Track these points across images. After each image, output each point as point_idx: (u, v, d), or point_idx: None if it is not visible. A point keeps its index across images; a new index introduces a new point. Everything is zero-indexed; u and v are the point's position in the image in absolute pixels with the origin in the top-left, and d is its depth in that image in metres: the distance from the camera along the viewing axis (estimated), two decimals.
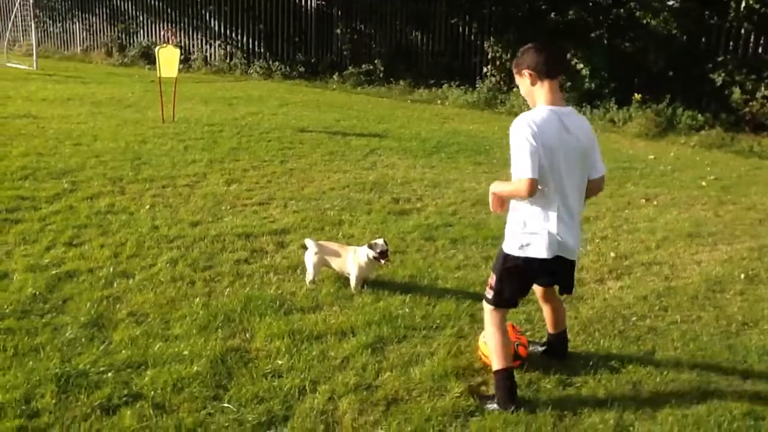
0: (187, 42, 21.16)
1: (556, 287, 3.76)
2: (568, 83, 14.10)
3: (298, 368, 3.61)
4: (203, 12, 21.23)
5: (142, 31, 22.63)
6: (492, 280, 3.51)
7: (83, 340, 3.78)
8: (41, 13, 23.13)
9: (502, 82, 15.94)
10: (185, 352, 3.69)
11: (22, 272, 4.62)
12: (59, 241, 5.26)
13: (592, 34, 15.18)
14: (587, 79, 14.24)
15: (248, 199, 6.74)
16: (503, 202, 3.56)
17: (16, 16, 21.61)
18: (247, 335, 3.96)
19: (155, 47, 11.02)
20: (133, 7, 22.63)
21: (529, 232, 3.37)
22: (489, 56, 16.21)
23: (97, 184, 6.88)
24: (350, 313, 4.30)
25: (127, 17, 22.84)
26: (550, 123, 3.24)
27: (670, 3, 14.10)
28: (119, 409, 3.18)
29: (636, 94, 13.21)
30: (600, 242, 6.00)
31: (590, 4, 15.96)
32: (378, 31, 18.76)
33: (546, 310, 3.89)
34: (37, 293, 4.32)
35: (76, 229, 5.55)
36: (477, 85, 15.94)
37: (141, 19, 22.58)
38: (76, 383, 3.33)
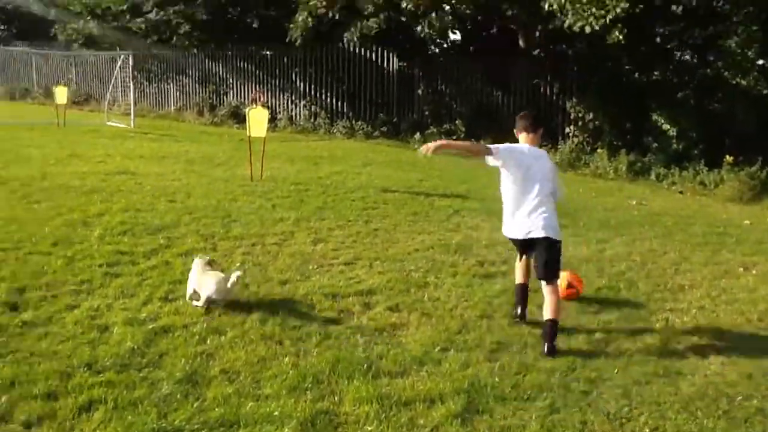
0: (273, 102, 21.95)
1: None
2: (654, 144, 13.85)
3: None
4: (290, 73, 22.06)
5: (231, 91, 23.67)
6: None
7: (178, 396, 3.87)
8: (139, 75, 24.52)
9: (585, 143, 15.80)
10: (276, 413, 3.71)
11: (121, 326, 4.80)
12: (155, 295, 5.45)
13: (679, 95, 14.93)
14: (674, 141, 13.95)
15: (334, 258, 6.83)
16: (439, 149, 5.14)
17: (116, 78, 23.00)
18: (336, 398, 3.95)
19: (244, 107, 11.50)
20: (223, 69, 23.75)
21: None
22: (571, 116, 16.14)
23: (190, 241, 7.14)
24: (438, 379, 4.25)
25: (217, 79, 23.96)
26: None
27: (760, 62, 13.76)
28: None
29: (727, 156, 12.81)
30: (697, 313, 5.75)
31: (675, 64, 15.75)
32: (458, 92, 19.00)
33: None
34: (135, 347, 4.46)
35: (171, 284, 5.74)
36: (559, 146, 15.83)
37: (230, 80, 23.64)
38: None
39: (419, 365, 4.43)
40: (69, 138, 16.03)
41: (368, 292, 5.82)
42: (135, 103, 21.64)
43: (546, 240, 4.94)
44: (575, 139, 15.89)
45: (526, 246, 5.17)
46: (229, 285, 5.17)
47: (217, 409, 3.73)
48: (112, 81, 23.30)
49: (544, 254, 4.99)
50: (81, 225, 7.52)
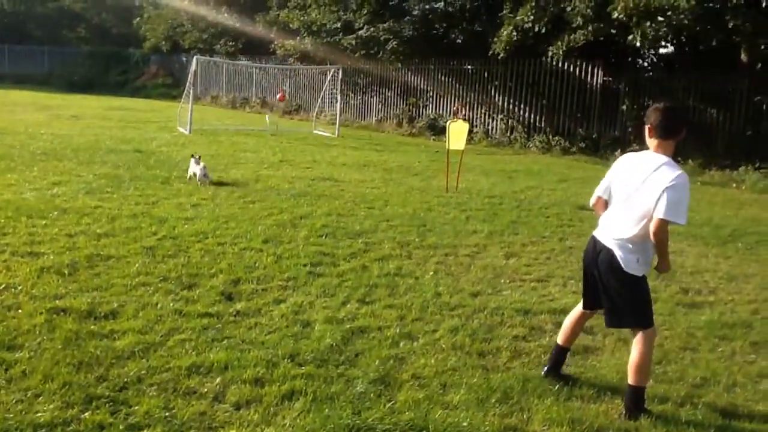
0: (470, 115, 22.12)
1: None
2: None
3: None
4: (489, 87, 22.11)
5: (430, 104, 24.20)
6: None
7: (371, 395, 4.02)
8: (345, 88, 25.86)
9: None
10: (464, 424, 3.74)
11: (322, 323, 5.09)
12: (353, 297, 5.72)
13: None
14: None
15: (527, 274, 6.75)
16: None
17: (325, 90, 24.45)
18: (525, 416, 3.90)
19: (442, 120, 11.72)
20: (424, 82, 24.34)
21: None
22: None
23: (387, 247, 7.40)
24: None
25: (418, 92, 24.63)
26: None
27: None
28: None
29: None
30: None
31: None
32: None
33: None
34: (334, 344, 4.71)
35: (368, 288, 5.99)
36: None
37: (430, 93, 24.19)
38: None
39: (614, 392, 4.24)
40: (280, 145, 17.30)
41: (561, 311, 5.67)
42: (340, 114, 22.84)
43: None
44: None
45: None
46: (202, 169, 10.52)
47: (407, 413, 3.83)
48: (321, 93, 24.79)
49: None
50: (289, 225, 8.09)
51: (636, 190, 3.94)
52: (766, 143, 15.63)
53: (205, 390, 3.95)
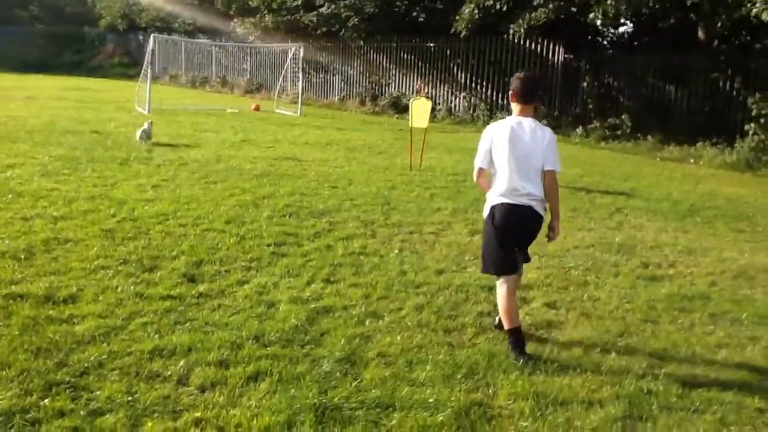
0: (433, 93, 22.11)
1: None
2: None
3: None
4: (451, 65, 22.10)
5: (393, 82, 24.11)
6: None
7: (338, 374, 4.01)
8: (307, 66, 25.60)
9: (766, 142, 14.54)
10: (430, 400, 3.75)
11: (287, 303, 5.05)
12: (318, 277, 5.69)
13: None
14: None
15: None
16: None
17: (286, 69, 24.17)
18: (490, 391, 3.92)
19: (405, 98, 11.68)
20: (386, 60, 24.23)
21: None
22: (753, 113, 14.90)
23: (351, 226, 7.37)
24: (597, 381, 4.10)
25: (380, 70, 24.50)
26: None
27: None
28: None
29: None
30: None
31: None
32: (627, 85, 18.13)
33: None
34: (299, 324, 4.68)
35: (333, 267, 5.96)
36: (736, 145, 14.70)
37: (392, 71, 24.08)
38: (331, 416, 3.53)
39: (577, 365, 4.30)
40: (241, 124, 17.07)
41: (525, 287, 5.73)
42: (302, 93, 22.62)
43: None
44: (755, 138, 14.65)
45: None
46: (148, 128, 12.35)
47: (374, 391, 3.83)
48: (283, 72, 24.50)
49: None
50: (252, 206, 8.00)
51: (531, 151, 4.42)
52: (723, 119, 15.93)
53: (169, 373, 3.89)
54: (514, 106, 4.59)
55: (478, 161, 4.57)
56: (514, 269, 4.59)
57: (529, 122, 4.50)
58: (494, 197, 4.53)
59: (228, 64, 32.42)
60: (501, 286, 4.52)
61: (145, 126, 12.56)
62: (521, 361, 4.25)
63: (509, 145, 4.42)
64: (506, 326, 4.43)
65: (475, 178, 4.74)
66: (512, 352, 4.35)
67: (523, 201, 4.42)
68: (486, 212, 4.66)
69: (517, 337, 4.40)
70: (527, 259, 4.79)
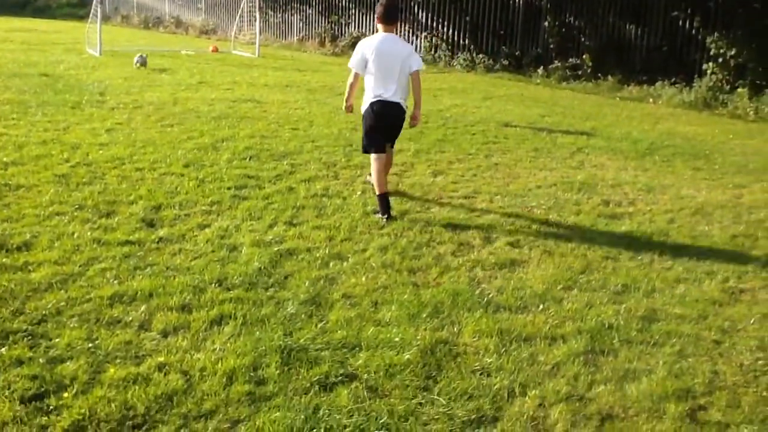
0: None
1: None
2: None
3: (506, 369, 3.55)
4: (411, 4, 21.68)
5: (353, 22, 23.60)
6: None
7: (303, 316, 3.99)
8: (264, 5, 24.88)
9: (724, 81, 14.68)
10: (396, 339, 3.76)
11: (249, 246, 4.98)
12: (280, 219, 5.62)
13: None
14: None
15: (454, 191, 6.78)
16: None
17: (242, 8, 23.45)
18: (455, 329, 3.96)
19: (365, 37, 11.42)
20: None
21: None
22: (711, 53, 14.98)
23: (313, 168, 7.27)
24: (560, 317, 4.17)
25: (339, 9, 23.93)
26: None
27: None
28: (336, 387, 3.30)
29: None
30: None
31: None
32: (588, 24, 18.04)
33: None
34: (262, 267, 4.63)
35: (295, 209, 5.89)
36: (694, 84, 14.82)
37: (352, 11, 23.56)
38: (297, 357, 3.52)
39: (540, 302, 4.36)
40: (198, 66, 16.59)
41: (488, 227, 5.75)
42: (260, 33, 22.03)
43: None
44: (713, 77, 14.78)
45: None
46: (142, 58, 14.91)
47: (339, 332, 3.82)
48: (239, 11, 23.77)
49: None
50: (211, 149, 7.82)
51: (396, 60, 5.80)
52: (682, 59, 16.00)
53: (130, 319, 3.83)
54: (380, 27, 5.97)
55: (354, 66, 5.90)
56: (383, 149, 5.98)
57: (392, 37, 5.94)
58: (371, 96, 5.87)
59: (182, 3, 31.31)
60: (375, 162, 5.92)
61: (143, 56, 15.52)
62: (385, 218, 5.67)
63: (379, 56, 5.76)
64: (377, 192, 5.83)
65: (349, 81, 5.98)
66: (379, 212, 5.77)
67: (393, 98, 5.83)
68: (365, 107, 5.95)
69: (384, 202, 5.78)
70: (392, 144, 6.34)
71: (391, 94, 5.81)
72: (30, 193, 5.87)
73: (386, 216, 5.69)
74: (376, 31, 6.05)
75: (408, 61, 5.85)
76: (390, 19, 5.98)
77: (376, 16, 6.01)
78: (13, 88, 11.28)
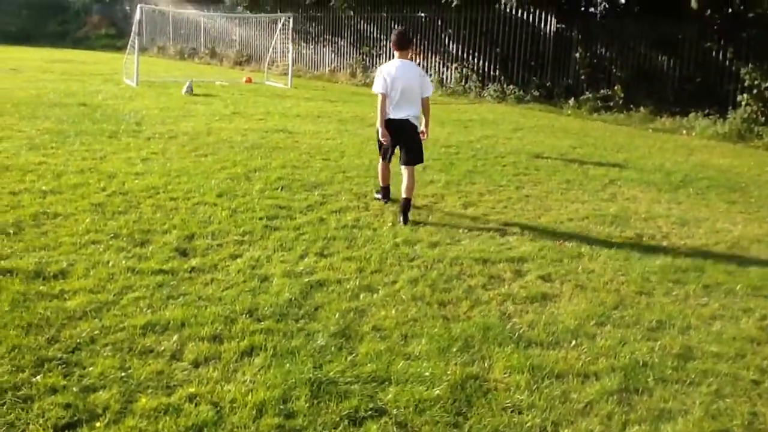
0: (425, 65, 21.90)
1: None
2: None
3: (538, 407, 3.49)
4: (442, 36, 21.87)
5: (383, 53, 23.85)
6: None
7: (332, 348, 3.99)
8: (297, 37, 25.29)
9: (759, 113, 14.51)
10: (426, 374, 3.74)
11: (280, 277, 5.01)
12: (311, 250, 5.64)
13: None
14: None
15: (485, 223, 6.75)
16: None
17: (276, 40, 23.86)
18: (486, 364, 3.91)
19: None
20: (378, 31, 23.96)
21: None
22: (745, 84, 14.84)
23: (344, 199, 7.31)
24: (593, 354, 4.10)
25: (371, 41, 24.22)
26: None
27: None
28: (365, 422, 3.28)
29: None
30: None
31: None
32: (619, 55, 18.00)
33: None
34: (293, 298, 4.64)
35: (326, 240, 5.91)
36: (728, 116, 14.66)
37: (383, 42, 23.83)
38: (326, 390, 3.51)
39: (573, 338, 4.30)
40: (232, 97, 16.87)
41: (519, 260, 5.71)
42: (293, 64, 22.37)
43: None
44: (748, 109, 14.62)
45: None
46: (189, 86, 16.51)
47: (369, 365, 3.80)
48: (273, 42, 24.19)
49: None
50: (243, 179, 7.92)
51: (410, 83, 6.61)
52: (715, 90, 15.86)
53: (162, 348, 3.86)
54: (396, 53, 6.80)
55: (380, 89, 6.61)
56: (390, 157, 7.00)
57: (406, 63, 6.74)
58: (389, 114, 6.67)
59: (217, 35, 31.99)
60: (381, 163, 7.11)
61: (191, 85, 17.05)
62: (384, 201, 7.15)
63: (396, 79, 6.55)
64: (381, 184, 7.20)
65: (379, 106, 6.64)
66: (378, 197, 7.24)
67: (406, 116, 6.66)
68: (381, 124, 6.70)
69: (385, 191, 7.20)
70: (419, 160, 6.88)
71: (404, 114, 6.67)
72: (67, 221, 5.99)
73: (385, 201, 7.16)
74: (392, 57, 6.90)
75: (422, 85, 6.76)
76: (403, 46, 6.79)
77: (391, 43, 6.88)
78: (53, 117, 11.57)
